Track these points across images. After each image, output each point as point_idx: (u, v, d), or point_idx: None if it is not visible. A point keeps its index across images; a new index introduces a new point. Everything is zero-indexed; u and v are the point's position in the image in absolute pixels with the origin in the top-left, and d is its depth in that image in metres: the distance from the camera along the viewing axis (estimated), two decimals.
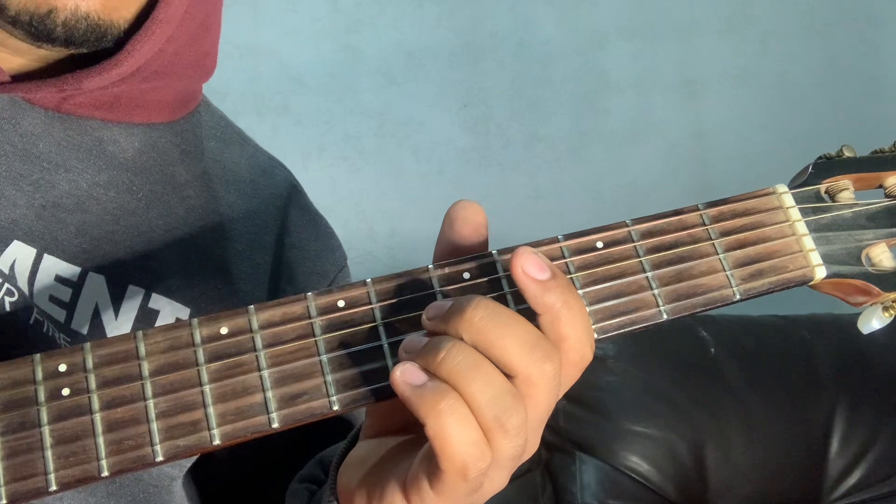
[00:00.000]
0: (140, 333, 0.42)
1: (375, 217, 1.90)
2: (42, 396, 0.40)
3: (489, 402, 0.39)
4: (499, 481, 0.43)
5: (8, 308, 0.52)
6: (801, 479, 1.30)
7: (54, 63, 0.58)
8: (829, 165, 0.50)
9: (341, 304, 0.44)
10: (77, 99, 0.58)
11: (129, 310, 0.58)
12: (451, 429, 0.39)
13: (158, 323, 0.58)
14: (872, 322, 0.48)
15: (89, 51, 0.55)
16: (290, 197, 0.70)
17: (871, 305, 0.49)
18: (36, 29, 0.52)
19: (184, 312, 0.60)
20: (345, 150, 1.92)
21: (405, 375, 0.40)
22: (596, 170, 1.99)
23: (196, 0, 0.60)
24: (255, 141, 0.72)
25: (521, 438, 0.40)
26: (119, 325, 0.57)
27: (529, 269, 0.42)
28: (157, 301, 0.59)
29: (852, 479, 1.30)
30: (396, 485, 0.44)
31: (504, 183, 1.96)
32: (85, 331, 0.56)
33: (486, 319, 0.40)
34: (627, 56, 2.01)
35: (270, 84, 1.89)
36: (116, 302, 0.57)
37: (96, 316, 0.56)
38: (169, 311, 0.59)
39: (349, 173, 1.92)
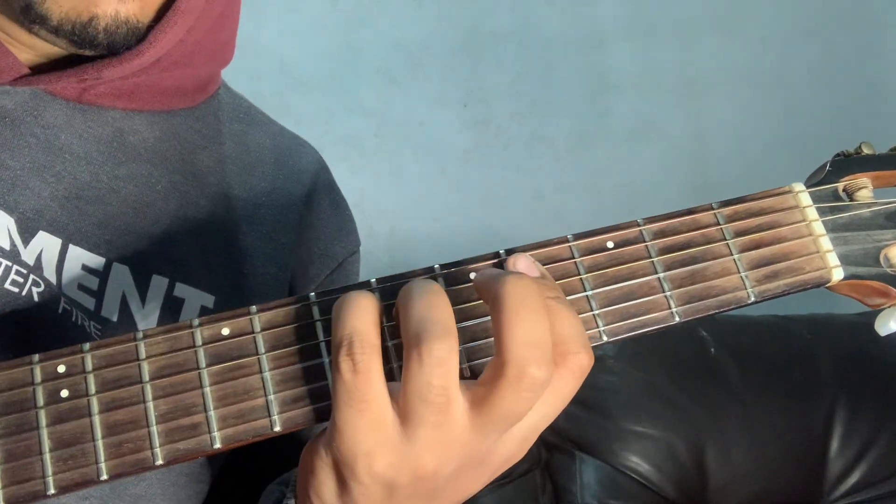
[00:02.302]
0: (140, 334, 0.42)
1: (375, 217, 1.89)
2: (41, 398, 0.40)
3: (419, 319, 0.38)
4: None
5: (36, 299, 0.52)
6: (801, 479, 1.29)
7: (65, 58, 0.58)
8: (846, 163, 0.49)
9: None
10: (98, 89, 0.58)
11: (155, 299, 0.58)
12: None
13: (184, 311, 0.59)
14: (891, 324, 0.47)
15: (119, 54, 0.56)
16: (318, 174, 0.71)
17: (889, 307, 0.48)
18: (79, 37, 0.52)
19: (208, 300, 0.60)
20: (345, 150, 1.91)
21: None
22: (596, 169, 1.99)
23: None
24: (279, 122, 0.72)
25: (435, 377, 0.37)
26: (147, 313, 0.57)
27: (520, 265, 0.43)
28: (182, 290, 0.59)
29: (852, 479, 1.30)
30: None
31: (504, 183, 1.95)
32: (115, 318, 0.56)
33: (517, 297, 0.38)
34: (627, 56, 2.00)
35: (270, 84, 1.88)
36: (142, 291, 0.57)
37: (124, 304, 0.56)
38: (193, 299, 0.59)
39: (349, 173, 1.91)
